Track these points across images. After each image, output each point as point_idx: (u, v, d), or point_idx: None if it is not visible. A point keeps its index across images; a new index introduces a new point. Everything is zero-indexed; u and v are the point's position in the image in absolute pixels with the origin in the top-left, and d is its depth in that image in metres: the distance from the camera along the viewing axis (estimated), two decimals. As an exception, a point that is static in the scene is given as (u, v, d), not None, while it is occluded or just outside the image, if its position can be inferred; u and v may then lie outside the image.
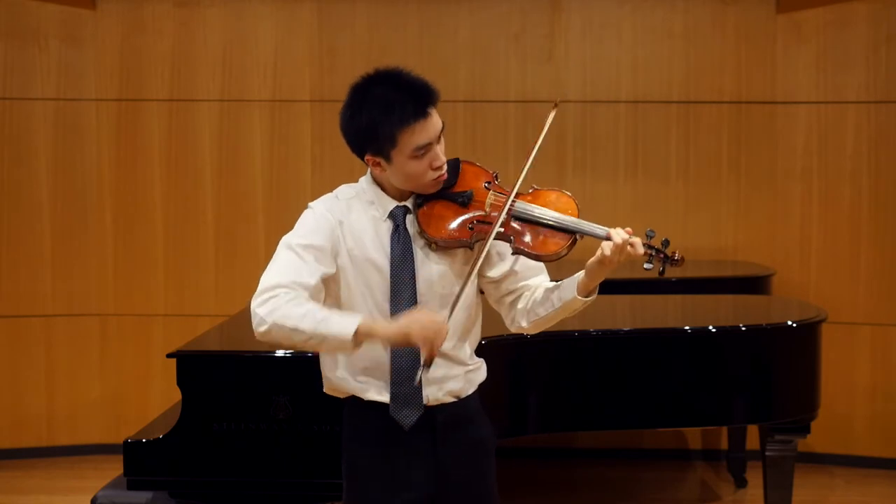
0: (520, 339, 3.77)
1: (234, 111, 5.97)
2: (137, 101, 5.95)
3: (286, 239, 2.54)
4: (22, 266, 5.94)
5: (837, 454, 5.77)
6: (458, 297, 2.49)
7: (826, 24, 5.74)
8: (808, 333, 4.09)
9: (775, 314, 4.61)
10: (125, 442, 3.52)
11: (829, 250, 5.79)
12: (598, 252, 2.48)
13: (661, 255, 2.51)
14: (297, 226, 2.57)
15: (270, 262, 2.51)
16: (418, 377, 2.43)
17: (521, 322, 2.67)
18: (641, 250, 2.48)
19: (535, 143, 2.59)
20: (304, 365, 3.49)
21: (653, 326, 4.27)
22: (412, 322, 2.38)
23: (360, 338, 2.39)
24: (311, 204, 2.60)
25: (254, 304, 2.45)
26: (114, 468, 4.14)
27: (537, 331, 2.68)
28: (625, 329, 4.04)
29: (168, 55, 5.95)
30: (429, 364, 2.39)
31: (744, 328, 4.07)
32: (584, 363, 3.89)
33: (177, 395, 3.54)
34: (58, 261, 5.96)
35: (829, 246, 5.79)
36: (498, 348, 3.58)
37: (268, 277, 2.47)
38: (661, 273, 2.52)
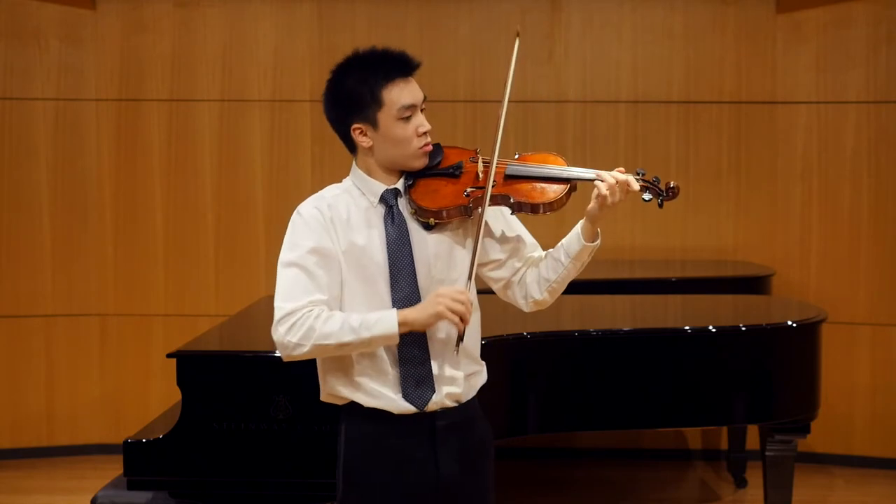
0: (520, 338, 3.77)
1: (234, 111, 5.97)
2: (137, 101, 5.95)
3: (284, 256, 2.52)
4: (22, 266, 5.94)
5: (837, 454, 5.77)
6: (471, 267, 2.51)
7: (826, 24, 5.73)
8: (808, 333, 4.09)
9: (775, 314, 4.61)
10: (125, 442, 3.51)
11: (829, 250, 5.79)
12: (595, 193, 2.52)
13: (657, 189, 2.59)
14: (289, 235, 2.55)
15: (277, 285, 2.49)
16: (455, 349, 2.50)
17: (536, 294, 2.66)
18: (637, 186, 2.54)
19: (506, 82, 2.62)
20: (304, 365, 3.49)
21: (653, 326, 4.27)
22: (438, 298, 2.43)
23: (401, 329, 2.43)
24: (298, 209, 2.59)
25: (278, 333, 2.44)
26: (114, 468, 4.14)
27: (554, 298, 2.68)
28: (625, 329, 4.03)
29: (168, 55, 5.95)
30: (462, 335, 2.47)
31: (744, 328, 4.06)
32: (584, 363, 3.89)
33: (177, 395, 3.54)
34: (58, 261, 5.96)
35: (829, 246, 5.79)
36: (498, 348, 3.57)
37: (282, 304, 2.46)
38: (661, 205, 2.60)
